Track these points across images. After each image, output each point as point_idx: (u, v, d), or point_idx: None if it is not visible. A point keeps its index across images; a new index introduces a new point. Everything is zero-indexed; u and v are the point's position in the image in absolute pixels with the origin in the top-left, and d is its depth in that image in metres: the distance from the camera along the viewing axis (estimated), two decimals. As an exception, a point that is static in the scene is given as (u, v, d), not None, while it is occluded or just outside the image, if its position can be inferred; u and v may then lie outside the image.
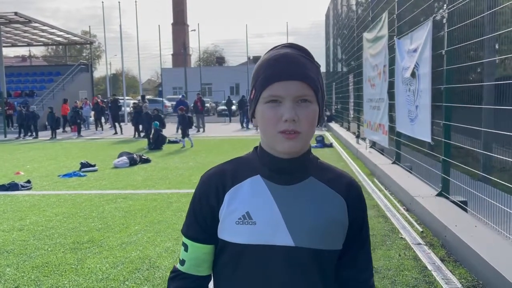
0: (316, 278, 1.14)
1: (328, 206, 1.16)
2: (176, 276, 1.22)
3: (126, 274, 4.09)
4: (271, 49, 1.17)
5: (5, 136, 21.14)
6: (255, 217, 1.12)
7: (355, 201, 1.20)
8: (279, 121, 1.08)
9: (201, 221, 1.18)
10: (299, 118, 1.08)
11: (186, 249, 1.21)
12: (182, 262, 1.21)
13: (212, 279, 1.23)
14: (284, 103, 1.08)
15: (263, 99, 1.10)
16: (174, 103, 34.22)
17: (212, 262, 1.21)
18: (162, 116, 18.49)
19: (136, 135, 19.10)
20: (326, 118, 23.54)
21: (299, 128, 1.09)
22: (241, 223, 1.12)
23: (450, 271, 3.96)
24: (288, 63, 1.09)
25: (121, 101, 25.96)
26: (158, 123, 15.41)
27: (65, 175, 9.59)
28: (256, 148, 1.22)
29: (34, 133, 20.51)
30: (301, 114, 1.08)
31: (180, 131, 16.11)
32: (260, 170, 1.17)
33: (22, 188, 8.19)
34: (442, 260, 4.21)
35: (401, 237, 4.93)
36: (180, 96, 25.00)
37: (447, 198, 5.66)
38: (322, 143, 14.22)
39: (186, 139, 15.04)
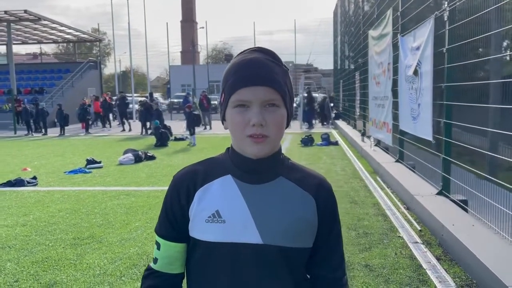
0: (286, 275, 1.16)
1: (297, 204, 1.18)
2: (150, 274, 1.24)
3: (123, 269, 4.15)
4: (240, 53, 1.20)
5: (15, 133, 21.43)
6: (224, 216, 1.15)
7: (325, 200, 1.21)
8: (247, 126, 1.11)
9: (172, 219, 1.21)
10: (266, 123, 1.10)
11: (158, 247, 1.23)
12: (155, 261, 1.24)
13: (185, 276, 1.25)
14: (252, 107, 1.11)
15: (232, 103, 1.13)
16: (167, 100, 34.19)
17: (184, 260, 1.23)
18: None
19: (143, 132, 19.26)
20: (333, 116, 23.48)
21: (267, 132, 1.11)
22: (210, 221, 1.15)
23: (445, 270, 3.95)
24: (255, 68, 1.12)
25: (129, 98, 26.18)
26: (158, 121, 15.52)
27: (70, 172, 9.71)
28: (228, 149, 1.24)
29: (43, 130, 20.76)
30: (269, 118, 1.11)
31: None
32: (231, 170, 1.19)
33: (28, 184, 8.32)
34: (438, 259, 4.20)
35: (399, 236, 4.92)
36: (185, 94, 25.19)
37: (447, 197, 5.64)
38: (327, 141, 14.20)
39: (191, 136, 15.13)
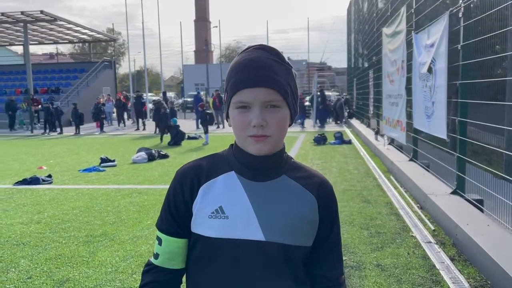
0: (287, 272, 1.17)
1: (299, 203, 1.19)
2: (150, 270, 1.24)
3: (134, 267, 4.18)
4: (243, 51, 1.20)
5: (32, 132, 21.78)
6: (227, 212, 1.15)
7: (326, 200, 1.22)
8: (248, 126, 1.12)
9: (175, 214, 1.21)
10: (267, 123, 1.11)
11: (160, 242, 1.23)
12: (156, 256, 1.23)
13: (186, 272, 1.25)
14: (253, 108, 1.11)
15: (233, 104, 1.14)
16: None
17: (185, 256, 1.23)
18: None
19: (157, 131, 19.38)
20: (347, 115, 23.31)
21: (268, 132, 1.12)
22: (213, 217, 1.15)
23: (459, 270, 3.88)
24: (256, 69, 1.11)
25: (145, 97, 26.41)
26: (176, 119, 15.57)
27: (85, 170, 9.82)
28: (232, 145, 1.24)
29: (59, 129, 21.04)
30: (270, 119, 1.11)
31: (201, 127, 16.25)
32: (234, 166, 1.20)
33: (43, 182, 8.43)
34: (451, 259, 4.13)
35: (412, 235, 4.85)
36: (195, 93, 25.45)
37: (462, 196, 5.54)
38: (340, 139, 14.11)
39: (205, 135, 15.17)
